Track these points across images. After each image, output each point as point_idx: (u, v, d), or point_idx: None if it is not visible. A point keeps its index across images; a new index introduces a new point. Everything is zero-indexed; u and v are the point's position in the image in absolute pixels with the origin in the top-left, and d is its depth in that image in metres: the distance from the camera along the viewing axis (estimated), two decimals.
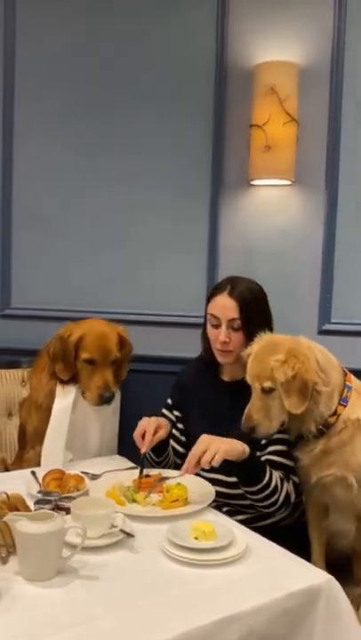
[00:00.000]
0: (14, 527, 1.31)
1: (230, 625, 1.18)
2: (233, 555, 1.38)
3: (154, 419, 1.89)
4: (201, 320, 2.72)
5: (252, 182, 2.67)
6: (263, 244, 2.72)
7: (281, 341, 1.73)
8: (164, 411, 2.11)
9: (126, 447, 2.29)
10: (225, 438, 1.68)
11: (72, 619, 1.17)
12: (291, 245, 2.70)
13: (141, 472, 1.82)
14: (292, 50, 2.60)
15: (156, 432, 1.85)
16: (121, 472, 1.92)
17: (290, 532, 1.86)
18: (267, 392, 1.69)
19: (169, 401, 2.13)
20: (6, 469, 2.38)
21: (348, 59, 2.59)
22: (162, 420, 1.92)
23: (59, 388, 2.14)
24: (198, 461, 1.66)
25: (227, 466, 1.68)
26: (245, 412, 1.72)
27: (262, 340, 1.78)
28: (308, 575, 1.34)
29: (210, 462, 1.64)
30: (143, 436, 1.84)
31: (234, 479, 1.81)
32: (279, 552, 1.45)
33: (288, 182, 2.63)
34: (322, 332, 2.65)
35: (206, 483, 1.80)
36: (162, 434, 1.87)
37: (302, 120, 2.58)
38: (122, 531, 1.46)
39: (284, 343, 1.72)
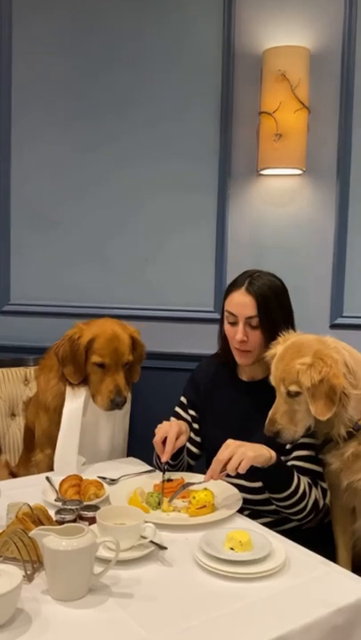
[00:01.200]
0: (42, 544, 1.22)
1: None
2: (273, 567, 1.31)
3: (175, 423, 1.79)
4: (209, 315, 2.68)
5: (261, 172, 2.58)
6: (273, 235, 2.64)
7: (307, 342, 1.65)
8: (178, 410, 2.03)
9: (135, 447, 2.22)
10: (251, 444, 1.60)
11: None
12: (301, 237, 2.62)
13: (164, 476, 1.73)
14: (302, 34, 2.51)
15: (177, 438, 1.75)
16: (138, 476, 1.84)
17: (313, 534, 1.79)
18: (292, 396, 1.61)
19: (183, 400, 2.04)
20: (11, 473, 2.29)
21: (360, 43, 2.50)
22: (183, 424, 1.82)
23: (68, 390, 2.05)
24: (224, 467, 1.58)
25: (250, 471, 1.60)
26: (269, 415, 1.64)
27: (287, 340, 1.69)
28: (355, 587, 1.27)
29: (236, 469, 1.56)
30: (164, 442, 1.74)
31: (256, 484, 1.75)
32: (320, 562, 1.38)
33: (299, 172, 2.55)
34: (334, 326, 2.59)
35: (231, 487, 1.72)
36: (183, 440, 1.78)
37: (313, 107, 2.50)
38: (152, 542, 1.37)
39: (310, 345, 1.63)
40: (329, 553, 1.68)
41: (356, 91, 2.52)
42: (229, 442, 1.60)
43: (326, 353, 1.60)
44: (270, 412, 1.65)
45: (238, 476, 1.63)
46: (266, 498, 1.74)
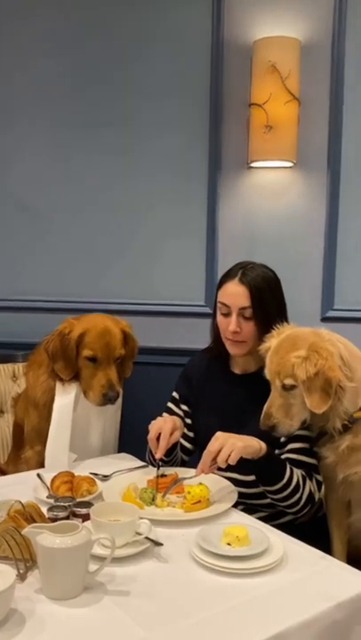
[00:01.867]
0: (36, 541, 1.19)
1: None
2: (271, 562, 1.29)
3: (169, 419, 1.78)
4: (200, 309, 2.66)
5: (251, 164, 2.55)
6: (263, 228, 2.62)
7: (302, 335, 1.63)
8: (171, 405, 2.01)
9: (127, 443, 2.19)
10: (241, 435, 1.59)
11: None
12: (292, 230, 2.60)
13: (158, 471, 1.70)
14: (292, 25, 2.48)
15: (171, 433, 1.73)
16: (131, 472, 1.81)
17: (307, 528, 1.78)
18: (287, 389, 1.60)
19: (175, 395, 2.02)
20: (0, 470, 2.25)
21: (350, 34, 2.48)
22: (177, 420, 1.81)
23: (59, 386, 2.01)
24: (214, 459, 1.57)
25: (242, 464, 1.59)
26: (264, 409, 1.63)
27: (282, 333, 1.67)
28: (354, 581, 1.26)
29: (226, 460, 1.55)
30: (158, 438, 1.73)
31: (249, 478, 1.73)
32: (318, 556, 1.36)
33: (290, 164, 2.53)
34: (325, 319, 2.57)
35: (226, 481, 1.70)
36: (177, 435, 1.76)
37: (304, 99, 2.47)
38: (148, 539, 1.35)
39: (305, 337, 1.61)
40: (324, 547, 1.66)
41: (347, 82, 2.50)
42: (219, 434, 1.60)
43: (322, 345, 1.58)
44: (265, 406, 1.63)
45: (231, 469, 1.63)
46: (260, 491, 1.73)
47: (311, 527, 1.80)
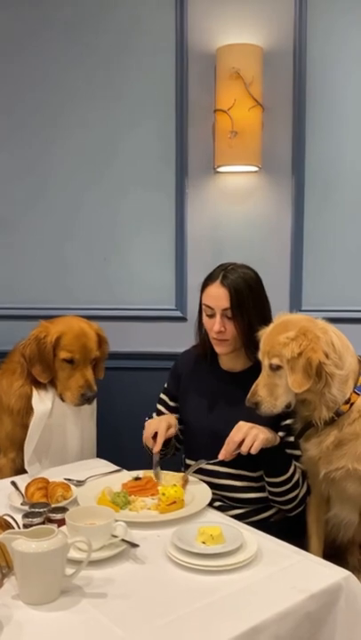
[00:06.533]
0: (11, 547, 1.19)
1: (258, 635, 1.10)
2: (245, 558, 1.31)
3: (164, 418, 1.87)
4: (171, 313, 2.68)
5: (217, 169, 2.59)
6: (231, 232, 2.65)
7: (295, 320, 1.69)
8: (162, 396, 2.05)
9: (103, 447, 2.20)
10: (260, 426, 1.68)
11: None
12: (259, 233, 2.64)
13: (158, 470, 1.77)
14: (254, 32, 2.53)
15: (167, 430, 1.83)
16: (106, 476, 1.82)
17: (283, 526, 1.82)
18: (274, 369, 1.65)
19: (164, 396, 2.05)
20: None
21: (311, 41, 2.54)
22: (171, 418, 1.89)
23: (35, 394, 2.02)
24: (237, 447, 1.67)
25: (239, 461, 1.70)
26: (252, 387, 1.69)
27: (279, 318, 1.74)
28: (327, 573, 1.29)
29: (249, 449, 1.64)
30: (154, 437, 1.80)
31: (231, 470, 1.79)
32: (291, 550, 1.39)
33: (255, 169, 2.57)
34: None
35: (200, 482, 1.74)
36: (172, 432, 1.85)
37: (267, 104, 2.52)
38: (124, 541, 1.36)
39: (298, 322, 1.67)
40: (298, 544, 1.69)
41: (309, 88, 2.56)
42: (241, 424, 1.69)
43: (310, 329, 1.63)
44: (253, 385, 1.69)
45: (224, 464, 1.74)
46: (240, 485, 1.80)
47: (285, 524, 1.85)
